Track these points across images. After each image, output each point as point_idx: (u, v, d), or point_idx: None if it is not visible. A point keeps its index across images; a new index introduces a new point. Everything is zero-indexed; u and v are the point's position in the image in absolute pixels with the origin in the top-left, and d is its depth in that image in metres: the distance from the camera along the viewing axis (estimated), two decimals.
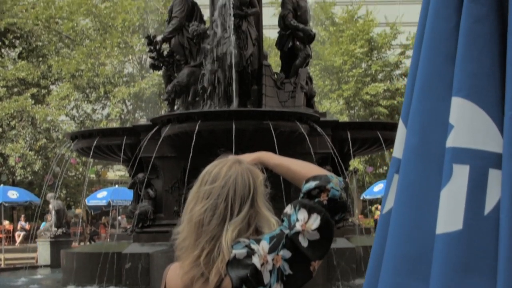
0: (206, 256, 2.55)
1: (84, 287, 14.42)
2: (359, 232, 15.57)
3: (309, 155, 13.63)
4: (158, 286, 7.68)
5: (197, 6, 17.28)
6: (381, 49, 43.70)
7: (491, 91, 2.45)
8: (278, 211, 2.66)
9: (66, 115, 42.01)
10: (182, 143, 14.33)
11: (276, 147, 12.28)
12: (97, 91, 40.98)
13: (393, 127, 16.74)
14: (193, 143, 13.36)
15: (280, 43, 17.37)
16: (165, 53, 17.04)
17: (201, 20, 17.24)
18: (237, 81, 15.45)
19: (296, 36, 16.92)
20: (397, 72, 44.15)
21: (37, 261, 24.00)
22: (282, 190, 9.77)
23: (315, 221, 2.57)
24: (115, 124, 40.47)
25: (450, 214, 2.43)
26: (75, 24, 41.42)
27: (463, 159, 2.44)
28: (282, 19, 17.10)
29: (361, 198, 39.52)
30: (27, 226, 39.27)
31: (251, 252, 2.52)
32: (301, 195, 2.68)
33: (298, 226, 2.57)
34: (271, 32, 25.28)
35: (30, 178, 40.17)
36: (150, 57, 17.48)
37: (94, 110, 43.05)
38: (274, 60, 30.19)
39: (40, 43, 41.80)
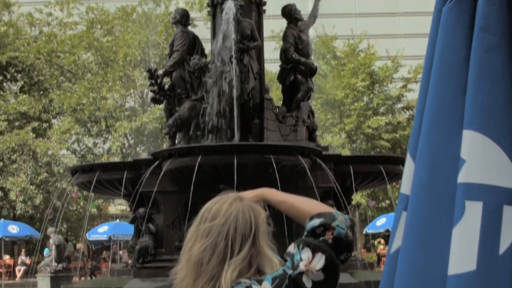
0: None
1: None
2: (362, 267, 15.40)
3: (311, 190, 13.52)
4: None
5: (199, 40, 17.27)
6: (382, 82, 43.77)
7: (504, 124, 2.34)
8: (281, 246, 2.55)
9: (67, 149, 41.99)
10: (183, 178, 14.22)
11: (278, 182, 12.18)
12: (98, 125, 40.99)
13: (396, 160, 16.67)
14: (194, 178, 13.25)
15: (281, 76, 17.33)
16: (166, 86, 16.99)
17: (203, 54, 17.21)
18: (238, 115, 15.36)
19: (297, 69, 16.87)
20: (399, 105, 44.19)
21: None
22: (284, 226, 9.63)
23: (319, 261, 2.45)
24: (116, 159, 40.40)
25: (462, 254, 2.31)
26: (76, 58, 41.57)
27: (476, 196, 2.33)
28: (284, 53, 17.06)
29: (364, 232, 39.34)
30: (27, 261, 39.05)
31: None
32: (305, 233, 2.57)
33: (301, 266, 2.45)
34: (272, 66, 25.29)
35: (31, 212, 40.07)
36: (151, 90, 17.44)
37: (95, 144, 43.04)
38: (275, 94, 30.18)
39: (41, 77, 41.94)
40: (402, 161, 16.41)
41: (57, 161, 40.53)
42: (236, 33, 15.49)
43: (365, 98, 43.19)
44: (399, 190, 2.71)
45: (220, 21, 15.82)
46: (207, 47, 17.66)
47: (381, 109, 43.36)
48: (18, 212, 40.16)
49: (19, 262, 40.18)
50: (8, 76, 41.48)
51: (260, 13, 16.92)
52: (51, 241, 24.69)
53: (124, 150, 42.40)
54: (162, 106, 18.88)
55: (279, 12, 17.30)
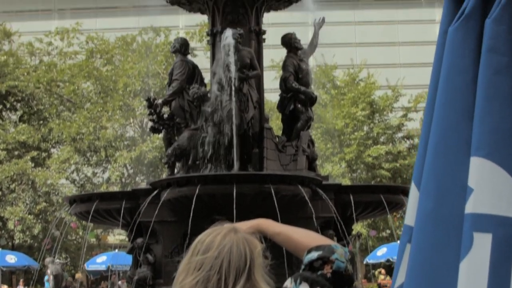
0: None
1: None
2: None
3: (311, 219, 13.43)
4: None
5: (198, 69, 17.21)
6: (383, 111, 43.77)
7: None
8: (280, 277, 2.41)
9: (66, 178, 41.89)
10: (182, 208, 14.12)
11: (278, 211, 12.08)
12: (98, 154, 40.92)
13: (397, 190, 16.59)
14: (192, 208, 13.15)
15: (281, 105, 17.24)
16: (165, 116, 16.90)
17: (202, 83, 17.14)
18: (238, 144, 15.29)
19: (297, 98, 16.79)
20: (399, 134, 44.16)
21: None
22: (284, 256, 9.49)
23: None
24: (116, 188, 40.31)
25: None
26: (76, 87, 41.62)
27: (484, 227, 2.19)
28: (284, 82, 16.99)
29: (364, 262, 39.09)
30: None
31: None
32: (303, 266, 2.43)
33: None
34: (272, 95, 25.26)
35: (29, 242, 39.88)
36: (150, 120, 17.36)
37: (94, 174, 42.93)
38: (275, 123, 30.14)
39: (41, 106, 41.96)
40: (403, 191, 16.34)
41: (56, 191, 40.45)
42: (236, 62, 15.45)
43: (365, 128, 43.16)
44: (404, 222, 2.56)
45: (220, 50, 15.80)
46: (207, 77, 17.62)
47: (382, 139, 43.31)
48: (17, 241, 39.99)
49: None
50: (8, 105, 41.52)
51: (259, 42, 16.90)
52: (48, 271, 24.49)
53: (123, 180, 42.27)
54: (161, 135, 18.79)
55: (279, 42, 17.28)
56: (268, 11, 17.66)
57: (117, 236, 47.62)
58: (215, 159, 15.44)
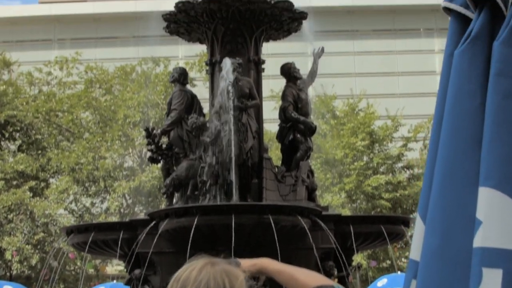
0: None
1: None
2: None
3: (311, 250, 13.32)
4: None
5: (197, 99, 17.15)
6: (382, 141, 43.72)
7: None
8: None
9: (65, 208, 41.70)
10: (180, 238, 13.98)
11: (277, 242, 11.97)
12: (96, 184, 40.78)
13: (397, 220, 16.48)
14: (191, 238, 13.03)
15: (280, 135, 17.16)
16: (164, 146, 16.82)
17: (201, 113, 17.07)
18: (237, 174, 15.19)
19: (297, 128, 16.71)
20: (399, 164, 44.06)
21: None
22: None
23: None
24: (114, 218, 40.13)
25: None
26: (75, 117, 41.59)
27: (494, 262, 2.06)
28: (283, 112, 16.91)
29: None
30: None
31: None
32: None
33: None
34: (272, 126, 25.20)
35: (27, 272, 39.62)
36: (148, 150, 17.27)
37: (93, 204, 42.74)
38: (275, 154, 30.05)
39: (39, 136, 41.89)
40: (403, 221, 16.26)
41: (54, 221, 40.26)
42: (235, 91, 15.40)
43: (365, 158, 43.09)
44: (409, 256, 2.43)
45: (219, 79, 15.76)
46: (206, 107, 17.56)
47: (381, 169, 43.22)
48: (14, 272, 39.72)
49: None
50: (6, 134, 41.45)
51: (259, 71, 16.87)
52: None
53: (122, 210, 42.09)
54: (160, 165, 18.70)
55: (278, 72, 17.26)
56: (267, 41, 17.66)
57: (116, 266, 47.32)
58: (214, 189, 15.33)
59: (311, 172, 16.84)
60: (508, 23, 2.16)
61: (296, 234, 13.99)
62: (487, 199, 2.08)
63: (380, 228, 15.39)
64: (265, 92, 18.55)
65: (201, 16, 16.36)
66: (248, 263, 2.53)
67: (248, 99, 15.74)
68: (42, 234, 38.84)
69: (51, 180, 42.66)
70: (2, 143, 42.42)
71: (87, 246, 15.89)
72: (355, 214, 34.91)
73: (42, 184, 40.97)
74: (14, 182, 40.02)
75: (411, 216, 34.56)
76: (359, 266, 24.73)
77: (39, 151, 41.56)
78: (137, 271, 15.09)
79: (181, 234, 13.86)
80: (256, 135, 15.87)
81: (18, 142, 42.06)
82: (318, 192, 19.77)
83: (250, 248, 14.39)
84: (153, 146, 16.67)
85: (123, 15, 70.82)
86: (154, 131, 16.73)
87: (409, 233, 16.53)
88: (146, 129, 16.95)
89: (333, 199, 41.17)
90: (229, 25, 16.33)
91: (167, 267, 15.02)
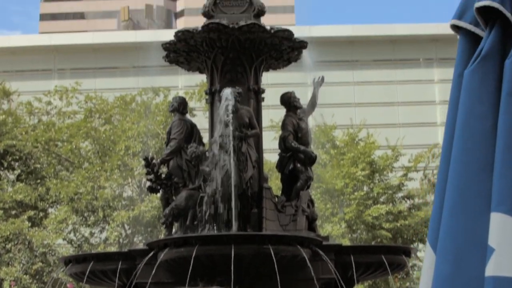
0: None
1: None
2: None
3: (312, 281, 13.23)
4: None
5: (196, 128, 17.11)
6: (382, 171, 43.60)
7: None
8: None
9: (64, 238, 41.46)
10: (179, 269, 13.90)
11: (277, 273, 11.87)
12: (95, 214, 40.60)
13: (398, 250, 16.41)
14: (190, 269, 12.93)
15: (280, 165, 17.09)
16: (163, 175, 16.73)
17: (200, 142, 17.02)
18: (236, 204, 15.11)
19: (297, 158, 16.66)
20: (400, 194, 43.92)
21: None
22: None
23: None
24: (113, 248, 39.87)
25: None
26: (74, 147, 41.53)
27: None
28: (283, 141, 16.86)
29: None
30: None
31: None
32: None
33: None
34: (271, 156, 25.11)
35: None
36: (147, 179, 17.19)
37: (92, 234, 42.51)
38: (274, 183, 29.93)
39: (38, 166, 41.82)
40: (404, 251, 16.16)
41: (53, 251, 40.01)
42: (234, 120, 15.36)
43: (365, 188, 42.95)
44: (420, 286, 2.31)
45: (218, 108, 15.72)
46: (206, 137, 17.50)
47: (382, 198, 43.07)
48: None
49: None
50: (5, 164, 41.38)
51: (258, 100, 16.84)
52: None
53: (121, 240, 41.86)
54: (159, 195, 18.60)
55: (278, 102, 17.23)
56: (267, 70, 17.66)
57: None
58: (213, 219, 15.25)
59: (311, 202, 16.76)
60: None
61: (297, 264, 13.90)
62: (500, 225, 1.97)
63: (381, 258, 15.31)
64: (265, 122, 18.51)
65: (201, 45, 16.36)
66: None
67: (248, 128, 15.70)
68: (40, 264, 38.61)
69: (50, 210, 42.50)
70: (1, 172, 42.32)
71: (86, 277, 15.81)
72: (356, 244, 34.72)
73: (41, 214, 40.80)
74: (13, 212, 39.87)
75: (412, 246, 34.40)
76: None
77: (38, 181, 41.44)
78: None
79: (180, 264, 13.78)
80: (256, 164, 15.81)
81: (17, 172, 41.97)
82: (318, 222, 19.66)
83: (250, 278, 14.28)
84: (152, 176, 16.60)
85: (123, 45, 71.15)
86: (154, 161, 16.67)
87: (410, 263, 16.43)
88: (145, 159, 16.86)
89: (333, 229, 40.96)
90: (228, 54, 16.33)
91: None
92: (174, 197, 16.40)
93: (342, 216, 41.37)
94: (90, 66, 72.22)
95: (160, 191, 16.90)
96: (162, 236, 22.59)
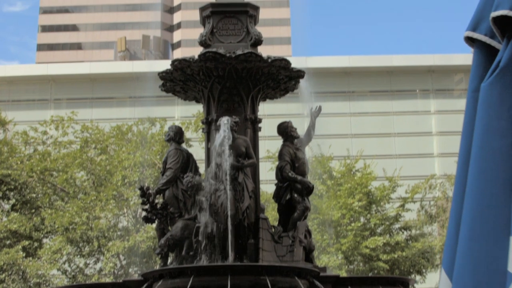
0: None
1: None
2: None
3: None
4: None
5: (192, 157, 16.99)
6: (379, 202, 43.48)
7: None
8: None
9: (58, 269, 41.14)
10: None
11: None
12: (90, 245, 40.33)
13: (396, 282, 16.20)
14: None
15: (277, 195, 16.92)
16: (158, 205, 16.56)
17: (196, 172, 16.88)
18: (233, 234, 14.95)
19: (294, 188, 16.51)
20: (397, 225, 43.76)
21: None
22: None
23: None
24: (108, 279, 39.55)
25: None
26: (69, 177, 41.37)
27: None
28: (280, 171, 16.72)
29: None
30: None
31: None
32: None
33: None
34: (268, 187, 24.96)
35: None
36: (143, 209, 17.02)
37: (86, 265, 42.19)
38: (271, 214, 29.78)
39: (34, 195, 41.64)
40: (402, 282, 15.96)
41: (47, 282, 39.71)
42: (231, 150, 15.24)
43: (362, 219, 42.79)
44: None
45: (215, 138, 15.60)
46: (202, 167, 17.36)
47: (379, 230, 42.89)
48: None
49: None
50: (0, 194, 41.19)
51: (255, 130, 16.71)
52: None
53: (116, 271, 41.53)
54: (154, 225, 18.42)
55: (275, 132, 17.10)
56: (264, 99, 17.56)
57: None
58: (209, 249, 15.08)
59: (308, 233, 16.58)
60: None
61: None
62: None
63: None
64: (261, 152, 18.36)
65: (198, 74, 16.26)
66: None
67: (244, 158, 15.56)
68: None
69: (44, 240, 42.24)
70: None
71: None
72: (354, 276, 34.44)
73: (35, 244, 40.55)
74: (7, 242, 39.64)
75: (410, 277, 34.14)
76: None
77: (33, 211, 41.26)
78: None
79: None
80: (252, 194, 15.64)
81: (12, 201, 41.78)
82: (314, 253, 19.49)
83: None
84: (148, 206, 16.44)
85: (119, 76, 71.28)
86: (149, 190, 16.51)
87: None
88: (141, 188, 16.69)
89: (330, 260, 40.75)
90: (225, 84, 16.23)
91: None
92: (169, 227, 16.25)
93: (338, 247, 41.16)
94: (87, 96, 72.30)
95: (156, 221, 16.72)
96: (157, 267, 22.35)
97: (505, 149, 1.99)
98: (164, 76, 16.67)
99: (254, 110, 16.68)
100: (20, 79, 72.93)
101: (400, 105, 72.22)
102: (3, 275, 37.64)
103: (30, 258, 38.72)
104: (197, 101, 17.69)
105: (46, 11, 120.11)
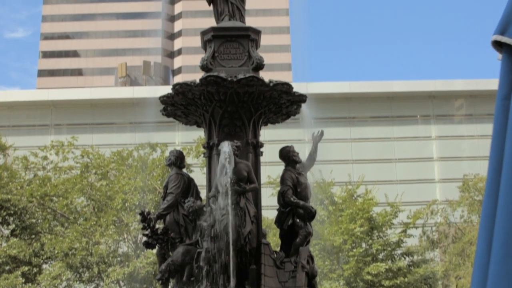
0: None
1: None
2: None
3: None
4: None
5: (193, 182, 16.85)
6: (381, 228, 43.31)
7: None
8: None
9: None
10: None
11: None
12: (90, 270, 40.12)
13: None
14: None
15: (279, 220, 16.76)
16: (159, 230, 16.40)
17: (198, 196, 16.73)
18: (234, 260, 14.77)
19: (296, 213, 16.36)
20: (399, 251, 43.57)
21: None
22: None
23: None
24: None
25: None
26: (69, 202, 41.24)
27: None
28: (282, 196, 16.57)
29: None
30: None
31: None
32: None
33: None
34: (269, 212, 24.83)
35: None
36: (143, 234, 16.84)
37: None
38: (273, 240, 29.60)
39: (33, 220, 41.51)
40: None
41: None
42: (233, 175, 15.11)
43: (364, 244, 42.61)
44: None
45: (216, 162, 15.48)
46: (204, 193, 17.22)
47: (381, 255, 42.68)
48: None
49: None
50: (0, 219, 41.06)
51: (257, 155, 16.58)
52: None
53: None
54: (155, 250, 18.26)
55: (276, 158, 16.96)
56: (266, 124, 17.44)
57: None
58: (210, 275, 14.91)
59: (311, 258, 16.41)
60: None
61: None
62: None
63: None
64: (263, 178, 18.22)
65: (199, 98, 16.16)
66: None
67: (246, 182, 15.43)
68: None
69: (44, 265, 42.03)
70: None
71: None
72: None
73: (35, 270, 40.36)
74: (7, 267, 39.46)
75: None
76: None
77: (33, 236, 41.11)
78: None
79: None
80: (254, 219, 15.49)
81: (11, 226, 41.67)
82: (317, 279, 19.32)
83: None
84: (148, 231, 16.27)
85: (120, 101, 71.35)
86: (150, 215, 16.35)
87: None
88: (141, 213, 16.53)
89: (332, 287, 40.52)
90: (227, 108, 16.12)
91: None
92: (170, 253, 16.09)
93: (340, 272, 40.93)
94: (87, 121, 72.32)
95: (156, 246, 16.55)
96: None
97: None
98: (165, 100, 16.56)
99: (255, 134, 16.56)
100: (21, 104, 73.01)
101: (401, 131, 72.21)
102: None
103: (30, 284, 38.55)
104: (198, 126, 17.58)
105: (47, 37, 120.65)
